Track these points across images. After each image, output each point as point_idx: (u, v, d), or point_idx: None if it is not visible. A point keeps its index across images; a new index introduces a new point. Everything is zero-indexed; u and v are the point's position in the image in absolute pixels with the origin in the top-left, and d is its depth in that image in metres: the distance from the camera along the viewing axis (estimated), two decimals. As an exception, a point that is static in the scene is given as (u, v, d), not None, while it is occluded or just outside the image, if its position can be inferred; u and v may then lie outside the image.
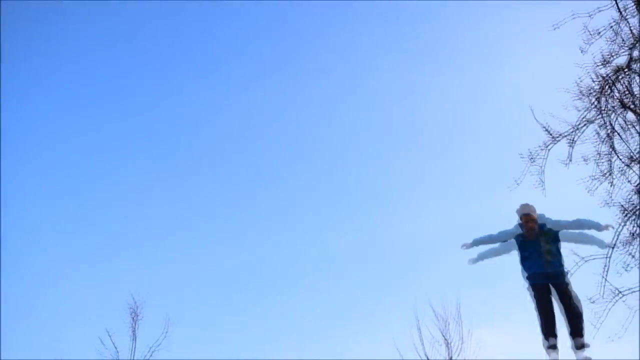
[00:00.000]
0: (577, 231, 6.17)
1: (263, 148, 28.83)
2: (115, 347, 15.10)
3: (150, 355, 15.09)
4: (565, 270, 6.07)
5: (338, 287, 25.63)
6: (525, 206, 6.14)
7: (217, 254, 25.88)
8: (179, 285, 24.87)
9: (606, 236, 6.69)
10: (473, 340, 17.01)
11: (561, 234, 6.04)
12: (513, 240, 6.09)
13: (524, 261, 6.01)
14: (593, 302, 10.86)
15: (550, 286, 5.79)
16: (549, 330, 5.69)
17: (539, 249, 5.90)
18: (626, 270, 10.94)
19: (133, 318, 15.69)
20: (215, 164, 28.55)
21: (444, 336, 16.50)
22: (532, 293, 5.88)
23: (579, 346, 5.63)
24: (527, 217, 6.01)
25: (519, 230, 6.07)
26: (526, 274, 5.98)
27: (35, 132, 27.17)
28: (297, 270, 26.63)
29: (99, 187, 26.94)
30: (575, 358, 5.65)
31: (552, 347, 5.67)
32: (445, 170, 27.33)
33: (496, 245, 6.25)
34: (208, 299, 25.19)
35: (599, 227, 6.09)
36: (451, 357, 15.91)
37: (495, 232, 6.26)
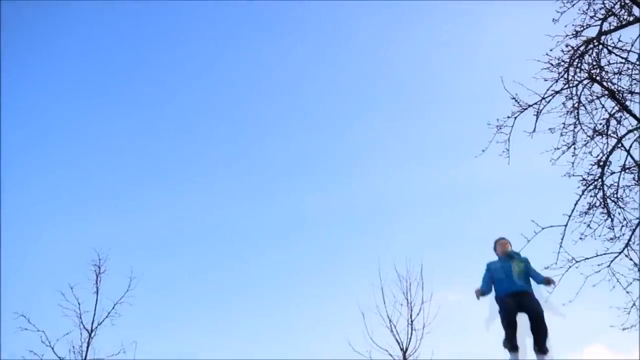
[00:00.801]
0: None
1: (234, 107, 28.40)
2: (78, 301, 14.97)
3: (114, 310, 15.03)
4: (533, 291, 6.74)
5: (305, 246, 25.94)
6: (501, 238, 7.09)
7: (185, 211, 25.77)
8: (145, 241, 24.78)
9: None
10: (440, 298, 17.57)
11: None
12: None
13: (497, 284, 6.68)
14: (547, 268, 11.25)
15: (518, 302, 6.45)
16: (512, 344, 6.39)
17: (510, 270, 6.57)
18: (581, 239, 11.30)
19: (96, 273, 15.54)
20: (183, 121, 28.04)
21: (406, 297, 16.94)
22: (501, 308, 6.50)
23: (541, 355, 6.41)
24: (503, 241, 6.93)
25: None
26: (496, 294, 6.65)
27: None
28: (265, 227, 26.75)
29: (61, 141, 26.27)
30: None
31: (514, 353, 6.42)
32: (416, 133, 27.52)
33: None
34: (175, 256, 25.21)
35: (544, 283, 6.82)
36: (412, 318, 16.38)
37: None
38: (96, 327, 14.78)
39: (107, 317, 14.92)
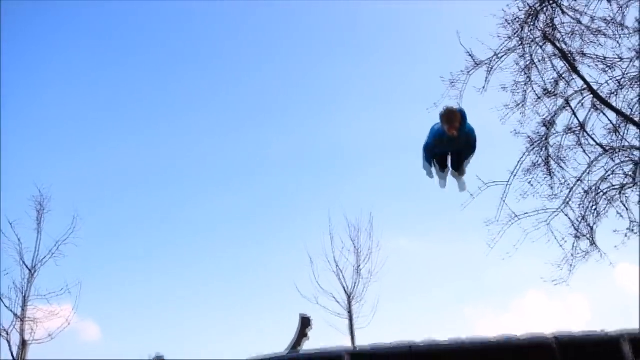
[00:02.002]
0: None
1: (201, 47, 27.29)
2: (19, 239, 14.56)
3: (57, 249, 14.75)
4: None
5: (260, 188, 25.83)
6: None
7: (132, 148, 25.01)
8: (89, 179, 24.11)
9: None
10: (389, 248, 18.02)
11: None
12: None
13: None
14: (488, 225, 11.64)
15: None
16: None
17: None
18: (523, 197, 11.68)
19: (37, 210, 15.12)
20: (138, 58, 26.79)
21: (354, 245, 17.34)
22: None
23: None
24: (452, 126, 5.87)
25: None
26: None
27: None
28: (218, 167, 26.45)
29: (6, 70, 24.72)
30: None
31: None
32: (381, 82, 27.19)
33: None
34: (120, 195, 24.68)
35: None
36: (359, 265, 16.83)
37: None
38: (38, 266, 14.48)
39: (50, 256, 14.61)
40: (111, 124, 25.55)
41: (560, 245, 11.69)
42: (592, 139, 11.58)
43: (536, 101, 11.70)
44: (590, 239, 11.65)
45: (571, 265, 11.57)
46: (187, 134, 26.41)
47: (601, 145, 11.49)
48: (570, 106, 11.67)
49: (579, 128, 11.44)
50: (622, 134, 11.14)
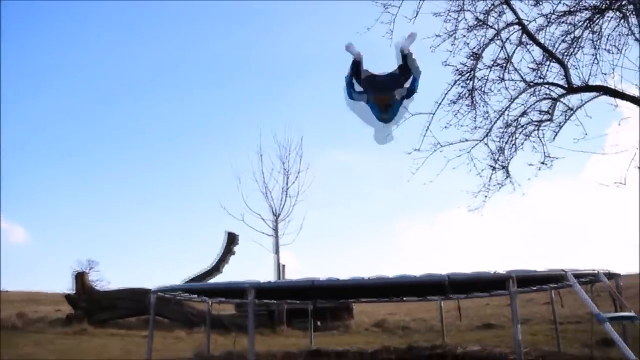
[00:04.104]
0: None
1: None
2: None
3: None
4: None
5: (187, 103, 24.99)
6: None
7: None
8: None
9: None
10: (324, 161, 18.16)
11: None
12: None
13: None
14: (410, 153, 11.85)
15: None
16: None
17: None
18: (446, 127, 11.88)
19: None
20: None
21: (283, 165, 17.39)
22: None
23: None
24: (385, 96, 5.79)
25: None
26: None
27: None
28: (147, 77, 25.25)
29: None
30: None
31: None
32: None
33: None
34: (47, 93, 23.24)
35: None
36: (287, 185, 17.01)
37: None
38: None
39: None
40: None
41: (479, 174, 12.21)
42: (518, 73, 11.75)
43: (467, 31, 11.60)
44: (505, 170, 12.17)
45: (486, 195, 12.13)
46: (121, 40, 24.78)
47: (525, 80, 11.69)
48: (500, 38, 11.65)
49: (505, 61, 11.53)
50: (544, 70, 11.35)
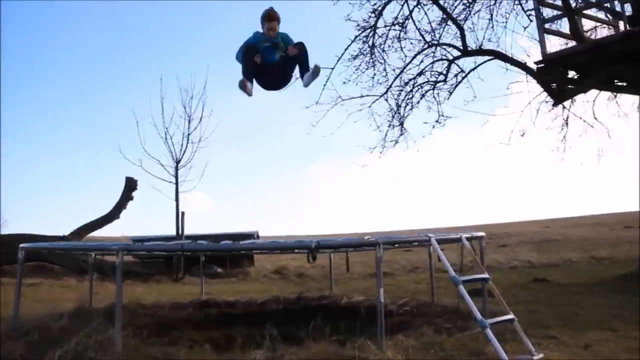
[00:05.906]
0: None
1: None
2: None
3: None
4: None
5: (86, 43, 23.33)
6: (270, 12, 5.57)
7: None
8: None
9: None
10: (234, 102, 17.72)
11: None
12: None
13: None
14: (308, 107, 11.90)
15: None
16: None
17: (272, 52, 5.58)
18: (345, 83, 11.98)
19: None
20: None
21: (186, 112, 16.79)
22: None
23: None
24: (272, 25, 5.50)
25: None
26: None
27: None
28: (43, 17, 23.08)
29: None
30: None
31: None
32: None
33: None
34: None
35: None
36: (190, 132, 16.51)
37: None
38: None
39: None
40: None
41: (378, 127, 12.58)
42: (419, 31, 11.91)
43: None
44: (401, 127, 12.56)
45: (381, 152, 12.54)
46: None
47: (424, 39, 11.90)
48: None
49: (405, 19, 11.64)
50: (441, 32, 11.59)
